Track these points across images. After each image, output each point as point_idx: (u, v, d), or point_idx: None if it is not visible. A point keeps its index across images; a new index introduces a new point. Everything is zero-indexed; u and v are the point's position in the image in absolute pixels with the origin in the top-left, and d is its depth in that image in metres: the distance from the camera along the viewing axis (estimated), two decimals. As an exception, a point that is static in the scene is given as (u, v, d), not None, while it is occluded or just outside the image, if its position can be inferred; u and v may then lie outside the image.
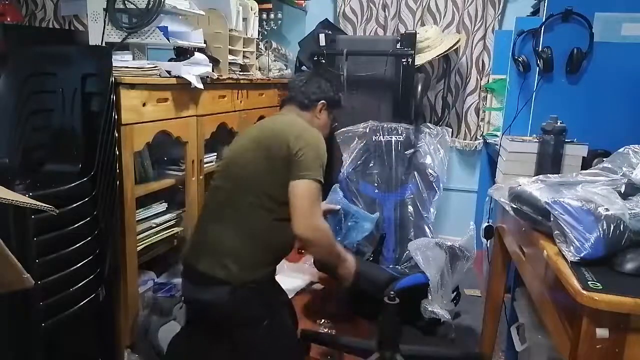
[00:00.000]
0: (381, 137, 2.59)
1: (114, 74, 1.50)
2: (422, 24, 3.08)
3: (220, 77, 2.11)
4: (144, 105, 1.67)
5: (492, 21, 3.01)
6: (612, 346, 0.90)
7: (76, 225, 1.41)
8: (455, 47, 2.89)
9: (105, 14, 1.77)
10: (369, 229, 2.27)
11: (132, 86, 1.60)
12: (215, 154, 2.23)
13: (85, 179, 1.43)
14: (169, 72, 1.77)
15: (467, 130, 3.17)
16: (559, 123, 1.57)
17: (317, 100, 1.73)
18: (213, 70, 2.02)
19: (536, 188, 1.21)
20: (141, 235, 1.82)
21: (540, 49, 1.82)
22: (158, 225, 1.93)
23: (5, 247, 0.84)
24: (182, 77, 1.80)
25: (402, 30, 3.05)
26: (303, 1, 3.22)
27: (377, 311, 1.70)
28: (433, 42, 2.84)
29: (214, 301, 1.51)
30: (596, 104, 1.80)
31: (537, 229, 1.18)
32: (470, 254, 2.05)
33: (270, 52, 2.82)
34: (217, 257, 1.52)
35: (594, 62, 1.79)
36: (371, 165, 2.58)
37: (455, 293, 2.18)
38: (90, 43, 1.79)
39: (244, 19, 2.42)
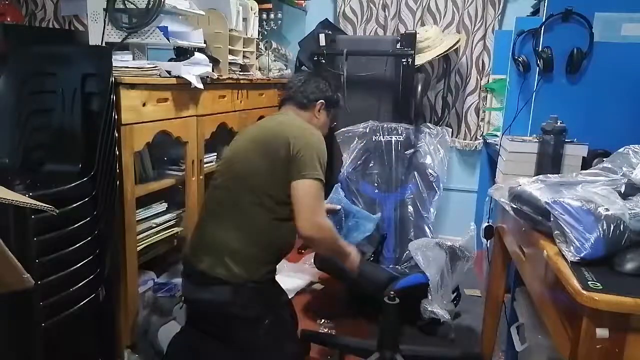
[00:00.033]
0: (381, 137, 2.59)
1: (114, 74, 1.50)
2: (422, 24, 3.08)
3: (220, 77, 2.11)
4: (144, 105, 1.67)
5: (492, 21, 3.01)
6: (612, 346, 0.90)
7: (76, 225, 1.41)
8: (455, 47, 2.89)
9: (105, 14, 1.77)
10: (371, 229, 2.27)
11: (132, 86, 1.60)
12: (215, 154, 2.23)
13: (85, 179, 1.43)
14: (169, 72, 1.78)
15: (467, 130, 3.17)
16: (559, 123, 1.57)
17: (315, 99, 1.74)
18: (213, 70, 2.03)
19: (536, 188, 1.21)
20: (141, 235, 1.82)
21: (540, 49, 1.82)
22: (158, 225, 1.93)
23: (5, 247, 0.84)
24: (182, 77, 1.80)
25: (402, 30, 3.05)
26: (303, 1, 3.22)
27: (377, 311, 1.71)
28: (433, 42, 2.84)
29: (215, 300, 1.52)
30: (596, 104, 1.80)
31: (537, 229, 1.18)
32: (470, 254, 2.05)
33: (270, 52, 2.82)
34: (217, 257, 1.52)
35: (594, 62, 1.79)
36: (371, 165, 2.58)
37: (455, 293, 2.18)
38: (90, 43, 1.79)
39: (244, 19, 2.42)
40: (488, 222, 1.88)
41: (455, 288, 2.18)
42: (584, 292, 0.88)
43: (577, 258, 1.00)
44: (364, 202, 2.51)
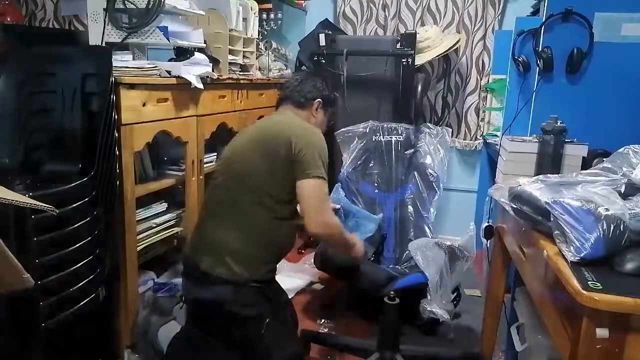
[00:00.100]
0: (381, 137, 2.59)
1: (114, 74, 1.50)
2: (422, 24, 3.08)
3: (220, 77, 2.11)
4: (144, 105, 1.67)
5: (492, 21, 3.01)
6: (612, 346, 0.90)
7: (76, 225, 1.41)
8: (455, 47, 2.89)
9: (105, 14, 1.77)
10: (373, 230, 2.27)
11: (132, 86, 1.60)
12: (215, 154, 2.23)
13: (85, 179, 1.44)
14: (169, 72, 1.78)
15: (467, 130, 3.17)
16: (559, 123, 1.57)
17: (312, 98, 1.75)
18: (213, 70, 2.03)
19: (536, 188, 1.21)
20: (141, 235, 1.82)
21: (540, 49, 1.82)
22: (158, 225, 1.93)
23: (5, 247, 0.84)
24: (182, 77, 1.80)
25: (402, 30, 3.05)
26: (303, 1, 3.22)
27: (377, 311, 1.71)
28: (433, 42, 2.84)
29: (215, 300, 1.52)
30: (596, 104, 1.80)
31: (537, 229, 1.18)
32: (470, 254, 2.05)
33: (270, 52, 2.82)
34: (218, 256, 1.52)
35: (594, 62, 1.79)
36: (371, 165, 2.58)
37: (455, 294, 2.18)
38: (90, 43, 1.79)
39: (244, 19, 2.42)
40: (488, 222, 1.88)
41: (455, 288, 2.18)
42: (584, 292, 0.88)
43: (577, 258, 1.00)
44: (364, 202, 2.51)
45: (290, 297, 2.15)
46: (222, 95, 2.20)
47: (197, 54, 1.94)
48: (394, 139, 2.59)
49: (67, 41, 2.02)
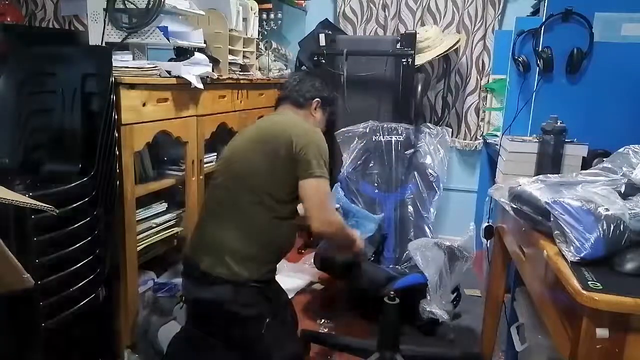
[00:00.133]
0: (381, 137, 2.59)
1: (114, 74, 1.50)
2: (422, 24, 3.08)
3: (220, 77, 2.11)
4: (144, 105, 1.67)
5: (492, 21, 3.01)
6: (612, 346, 0.90)
7: (76, 225, 1.41)
8: (455, 47, 2.89)
9: (105, 14, 1.77)
10: (373, 229, 2.27)
11: (132, 86, 1.60)
12: (215, 154, 2.23)
13: (85, 179, 1.44)
14: (169, 72, 1.78)
15: (467, 130, 3.17)
16: (559, 123, 1.57)
17: (311, 98, 1.76)
18: (213, 70, 2.03)
19: (536, 188, 1.21)
20: (141, 235, 1.82)
21: (540, 49, 1.82)
22: (158, 225, 1.93)
23: (5, 247, 0.84)
24: (182, 77, 1.80)
25: (402, 30, 3.05)
26: (303, 1, 3.22)
27: (377, 311, 1.71)
28: (433, 42, 2.84)
29: (215, 300, 1.52)
30: (596, 104, 1.80)
31: (537, 229, 1.18)
32: (469, 254, 2.05)
33: (270, 52, 2.82)
34: (218, 256, 1.52)
35: (594, 62, 1.79)
36: (371, 165, 2.58)
37: (455, 294, 2.18)
38: (90, 43, 1.79)
39: (244, 19, 2.42)
40: (488, 222, 1.88)
41: (455, 288, 2.18)
42: (584, 292, 0.88)
43: (577, 258, 1.00)
44: (364, 202, 2.51)
45: (290, 297, 2.15)
46: (222, 95, 2.20)
47: (197, 54, 1.94)
48: (394, 139, 2.59)
49: (67, 41, 2.02)
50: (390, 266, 2.41)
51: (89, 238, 1.45)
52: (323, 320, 2.30)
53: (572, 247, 1.01)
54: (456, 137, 3.19)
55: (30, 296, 1.27)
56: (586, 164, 1.60)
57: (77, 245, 1.41)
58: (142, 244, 1.82)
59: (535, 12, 2.22)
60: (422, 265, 2.04)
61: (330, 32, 2.82)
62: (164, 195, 2.00)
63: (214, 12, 2.17)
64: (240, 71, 2.38)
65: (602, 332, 0.89)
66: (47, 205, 0.93)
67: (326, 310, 2.39)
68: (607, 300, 0.87)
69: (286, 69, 2.98)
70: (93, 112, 1.50)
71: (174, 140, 1.91)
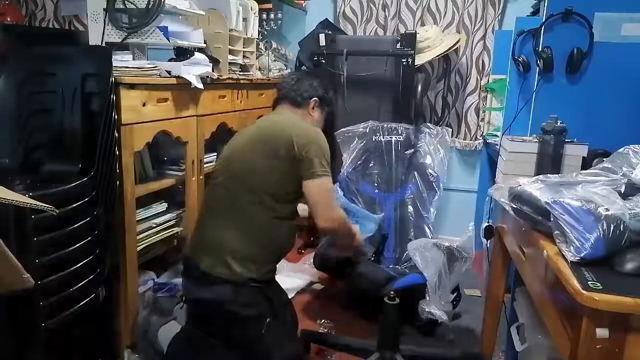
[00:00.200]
0: (381, 137, 2.59)
1: (114, 74, 1.50)
2: (422, 24, 3.08)
3: (220, 77, 2.11)
4: (144, 105, 1.67)
5: (492, 21, 3.01)
6: (612, 346, 0.90)
7: (76, 225, 1.41)
8: (455, 47, 2.89)
9: (105, 14, 1.77)
10: (373, 229, 2.27)
11: (132, 86, 1.60)
12: (215, 154, 2.23)
13: (85, 179, 1.44)
14: (169, 72, 1.78)
15: (467, 130, 3.17)
16: (559, 123, 1.57)
17: (309, 97, 1.76)
18: (213, 70, 2.03)
19: (536, 188, 1.21)
20: (141, 235, 1.82)
21: (540, 49, 1.81)
22: (158, 225, 1.93)
23: (5, 247, 0.84)
24: (182, 77, 1.80)
25: (402, 30, 3.05)
26: (303, 1, 3.22)
27: (377, 311, 1.71)
28: (433, 42, 2.84)
29: (215, 300, 1.52)
30: (596, 104, 1.80)
31: (537, 229, 1.18)
32: (468, 254, 2.05)
33: (270, 52, 2.82)
34: (218, 256, 1.52)
35: (594, 62, 1.79)
36: (371, 165, 2.58)
37: (455, 294, 2.18)
38: (90, 43, 1.79)
39: (244, 19, 2.42)
40: (488, 222, 1.88)
41: (456, 288, 2.18)
42: (584, 292, 0.88)
43: (577, 258, 1.00)
44: (364, 202, 2.51)
45: (290, 297, 2.15)
46: (222, 95, 2.20)
47: (197, 54, 1.94)
48: (394, 139, 2.59)
49: (67, 41, 2.02)
50: (390, 266, 2.41)
51: (89, 238, 1.45)
52: (323, 320, 2.30)
53: (572, 247, 1.01)
54: (456, 137, 3.19)
55: (30, 296, 1.27)
56: (586, 164, 1.60)
57: (77, 245, 1.41)
58: (142, 244, 1.82)
59: (535, 12, 2.22)
60: (421, 266, 2.04)
61: (330, 32, 2.82)
62: (164, 195, 2.00)
63: (214, 12, 2.17)
64: (240, 71, 2.38)
65: (602, 332, 0.89)
66: (47, 205, 0.93)
67: (326, 310, 2.39)
68: (607, 300, 0.87)
69: (286, 69, 2.98)
70: (93, 112, 1.50)
71: (174, 140, 1.91)
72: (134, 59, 1.77)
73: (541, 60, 1.81)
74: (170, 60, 1.97)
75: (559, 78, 1.83)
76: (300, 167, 1.54)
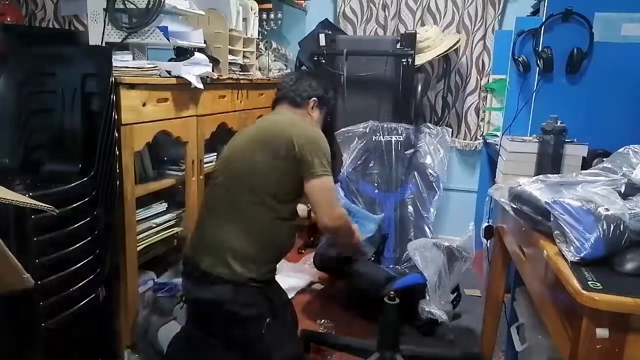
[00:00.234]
0: (381, 137, 2.59)
1: (114, 74, 1.50)
2: (422, 24, 3.08)
3: (220, 77, 2.11)
4: (144, 105, 1.67)
5: (492, 21, 3.01)
6: (612, 346, 0.90)
7: (76, 225, 1.41)
8: (455, 47, 2.89)
9: (105, 14, 1.77)
10: (373, 230, 2.27)
11: (132, 86, 1.60)
12: (215, 154, 2.23)
13: (85, 179, 1.44)
14: (169, 72, 1.78)
15: (467, 130, 3.17)
16: (559, 123, 1.57)
17: (308, 97, 1.77)
18: (213, 70, 2.03)
19: (536, 188, 1.21)
20: (141, 235, 1.82)
21: (540, 49, 1.81)
22: (158, 225, 1.93)
23: (5, 247, 0.84)
24: (182, 77, 1.80)
25: (402, 30, 3.05)
26: (303, 1, 3.22)
27: (377, 311, 1.71)
28: (433, 42, 2.84)
29: (215, 300, 1.52)
30: (596, 104, 1.80)
31: (537, 229, 1.18)
32: (468, 254, 2.05)
33: (270, 52, 2.82)
34: (218, 256, 1.53)
35: (594, 62, 1.79)
36: (371, 165, 2.58)
37: (455, 294, 2.18)
38: (90, 43, 1.79)
39: (244, 19, 2.42)
40: (488, 222, 1.88)
41: (456, 288, 2.18)
42: (584, 292, 0.88)
43: (577, 258, 1.00)
44: (364, 202, 2.51)
45: (290, 297, 2.15)
46: (222, 95, 2.20)
47: (197, 54, 1.94)
48: (394, 139, 2.59)
49: (67, 41, 2.02)
50: (391, 266, 2.41)
51: (89, 238, 1.45)
52: (323, 320, 2.30)
53: (572, 247, 1.01)
54: (456, 137, 3.19)
55: (30, 296, 1.27)
56: (586, 164, 1.60)
57: (77, 245, 1.41)
58: (142, 244, 1.82)
59: (535, 12, 2.22)
60: (421, 266, 2.04)
61: (330, 32, 2.82)
62: (164, 195, 2.00)
63: (214, 12, 2.17)
64: (240, 71, 2.38)
65: (602, 332, 0.89)
66: (47, 205, 0.93)
67: (326, 310, 2.39)
68: (607, 300, 0.87)
69: (286, 69, 2.98)
70: (93, 112, 1.50)
71: (174, 140, 1.91)
72: (134, 59, 1.77)
73: (541, 60, 1.81)
74: (170, 60, 1.97)
75: (559, 78, 1.83)
76: (301, 167, 1.54)
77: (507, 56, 1.96)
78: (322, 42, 2.74)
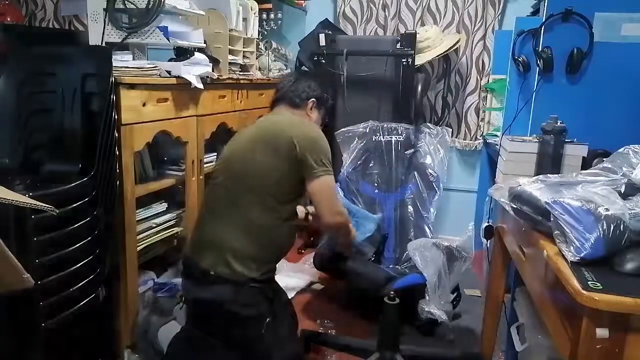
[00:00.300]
0: (381, 137, 2.59)
1: (114, 74, 1.50)
2: (422, 24, 3.08)
3: (220, 77, 2.11)
4: (144, 105, 1.67)
5: (492, 21, 3.01)
6: (612, 346, 0.90)
7: (76, 225, 1.41)
8: (455, 47, 2.89)
9: (105, 14, 1.77)
10: (372, 230, 2.27)
11: (132, 86, 1.60)
12: (215, 154, 2.23)
13: (85, 179, 1.44)
14: (169, 72, 1.78)
15: (467, 130, 3.17)
16: (559, 123, 1.57)
17: (307, 98, 1.77)
18: (213, 70, 2.03)
19: (536, 188, 1.21)
20: (141, 235, 1.82)
21: (540, 49, 1.81)
22: (158, 225, 1.93)
23: (5, 247, 0.84)
24: (182, 77, 1.80)
25: (402, 30, 3.05)
26: (303, 1, 3.22)
27: (377, 311, 1.71)
28: (433, 42, 2.84)
29: (215, 300, 1.52)
30: (596, 104, 1.80)
31: (537, 229, 1.18)
32: (468, 254, 2.05)
33: (270, 52, 2.82)
34: (218, 256, 1.52)
35: (594, 62, 1.79)
36: (371, 165, 2.58)
37: (455, 294, 2.18)
38: (90, 43, 1.79)
39: (244, 19, 2.42)
40: (488, 222, 1.88)
41: (455, 288, 2.18)
42: (584, 292, 0.88)
43: (577, 258, 1.00)
44: (364, 202, 2.51)
45: (290, 297, 2.15)
46: (222, 95, 2.20)
47: (197, 54, 1.94)
48: (394, 139, 2.59)
49: (67, 41, 2.02)
50: (390, 266, 2.41)
51: (89, 238, 1.45)
52: (323, 320, 2.30)
53: (572, 247, 1.01)
54: (456, 137, 3.19)
55: (30, 296, 1.27)
56: (586, 164, 1.60)
57: (77, 245, 1.41)
58: (142, 244, 1.82)
59: (535, 12, 2.22)
60: (421, 266, 2.04)
61: (330, 32, 2.82)
62: (164, 195, 2.00)
63: (214, 12, 2.17)
64: (240, 71, 2.38)
65: (602, 332, 0.89)
66: (47, 205, 0.93)
67: (326, 310, 2.39)
68: (607, 300, 0.87)
69: (286, 69, 2.98)
70: (93, 112, 1.50)
71: (174, 140, 1.91)
72: (134, 59, 1.77)
73: (541, 60, 1.81)
74: (170, 60, 1.97)
75: (559, 78, 1.83)
76: (302, 168, 1.55)
77: (507, 56, 1.96)
78: (322, 42, 2.74)
